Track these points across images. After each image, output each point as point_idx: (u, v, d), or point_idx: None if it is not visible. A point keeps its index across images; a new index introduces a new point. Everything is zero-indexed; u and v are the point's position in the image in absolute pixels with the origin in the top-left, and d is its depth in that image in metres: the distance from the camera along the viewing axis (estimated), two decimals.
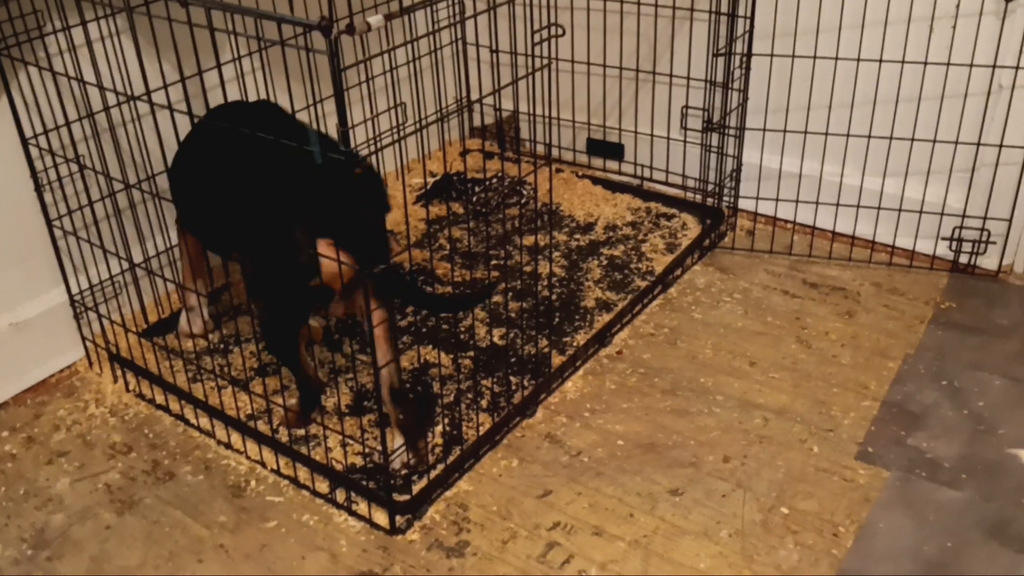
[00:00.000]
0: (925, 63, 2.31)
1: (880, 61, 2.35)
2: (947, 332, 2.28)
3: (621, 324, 2.33)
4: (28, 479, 1.95)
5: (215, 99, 2.11)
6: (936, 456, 1.93)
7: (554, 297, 2.41)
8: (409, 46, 2.53)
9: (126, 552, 1.78)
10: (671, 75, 2.64)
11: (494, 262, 2.54)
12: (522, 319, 2.31)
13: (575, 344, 2.25)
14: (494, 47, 2.72)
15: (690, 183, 2.69)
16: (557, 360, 2.19)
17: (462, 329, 2.30)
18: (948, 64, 2.30)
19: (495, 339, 2.26)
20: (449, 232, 2.60)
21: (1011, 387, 2.10)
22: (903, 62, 2.33)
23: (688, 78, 2.58)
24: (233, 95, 2.25)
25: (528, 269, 2.44)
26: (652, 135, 2.79)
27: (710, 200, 2.67)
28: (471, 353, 2.22)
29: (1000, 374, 2.13)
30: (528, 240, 2.58)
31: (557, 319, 2.33)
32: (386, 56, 2.54)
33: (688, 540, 1.77)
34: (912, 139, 2.38)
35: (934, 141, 2.38)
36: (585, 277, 2.50)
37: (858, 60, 2.36)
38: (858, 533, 1.77)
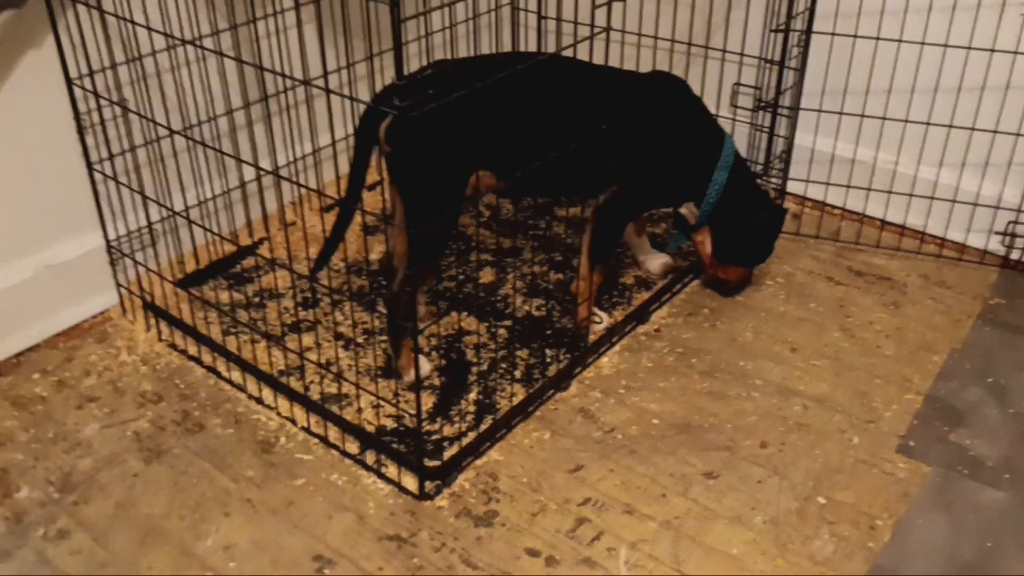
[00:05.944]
0: (992, 51, 2.23)
1: (945, 46, 2.27)
2: (995, 329, 2.22)
3: (660, 302, 2.29)
4: (57, 422, 1.94)
5: (266, 49, 2.07)
6: (979, 455, 1.88)
7: None
8: (467, 3, 2.47)
9: (152, 499, 1.77)
10: (724, 51, 2.57)
11: (532, 232, 2.50)
12: (561, 292, 2.27)
13: (613, 320, 2.21)
14: (543, 12, 2.66)
15: None
16: (594, 335, 2.15)
17: (498, 297, 2.27)
18: (1016, 52, 2.22)
19: (532, 310, 2.23)
20: (497, 201, 2.56)
21: None
22: (969, 48, 2.25)
23: (742, 54, 2.51)
24: (275, 45, 2.22)
25: (569, 241, 2.40)
26: None
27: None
28: (507, 323, 2.19)
29: None
30: (573, 211, 2.54)
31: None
32: (446, 12, 2.49)
33: (721, 524, 1.73)
34: (972, 128, 2.31)
35: (994, 132, 2.31)
36: (625, 254, 2.45)
37: (922, 44, 2.29)
38: (895, 528, 1.72)
